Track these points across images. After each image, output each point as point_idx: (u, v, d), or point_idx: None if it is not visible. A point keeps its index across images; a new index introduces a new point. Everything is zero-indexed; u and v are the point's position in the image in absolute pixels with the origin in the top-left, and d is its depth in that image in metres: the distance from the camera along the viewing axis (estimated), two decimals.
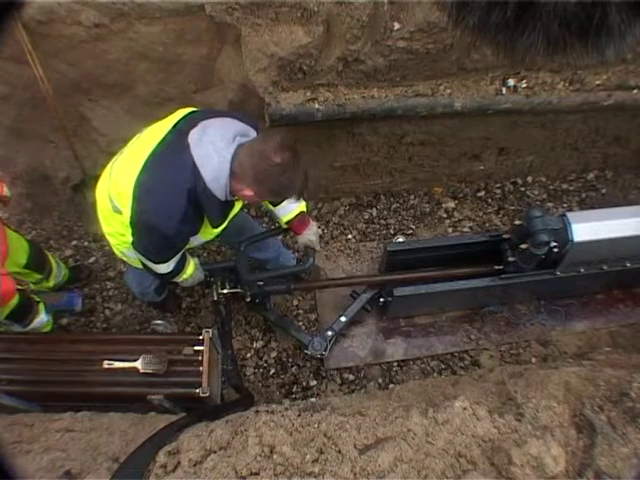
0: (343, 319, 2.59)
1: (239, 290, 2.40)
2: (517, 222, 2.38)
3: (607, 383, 1.49)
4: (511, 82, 2.59)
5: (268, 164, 1.56)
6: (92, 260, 3.00)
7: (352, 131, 2.73)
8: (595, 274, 2.50)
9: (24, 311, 2.35)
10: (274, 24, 2.12)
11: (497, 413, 1.43)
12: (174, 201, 1.64)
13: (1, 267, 2.11)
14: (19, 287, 2.28)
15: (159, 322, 2.62)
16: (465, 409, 1.43)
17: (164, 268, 1.92)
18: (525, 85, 2.60)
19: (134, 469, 1.35)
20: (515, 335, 2.79)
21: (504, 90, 2.59)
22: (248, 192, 1.66)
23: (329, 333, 2.55)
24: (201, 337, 2.04)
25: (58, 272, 2.68)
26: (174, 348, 2.01)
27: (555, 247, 2.26)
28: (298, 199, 1.82)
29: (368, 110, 2.49)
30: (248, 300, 2.40)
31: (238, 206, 1.97)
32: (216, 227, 1.86)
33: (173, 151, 1.64)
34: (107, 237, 2.06)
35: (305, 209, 2.20)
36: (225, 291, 2.40)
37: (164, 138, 1.70)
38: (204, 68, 2.44)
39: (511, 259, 2.40)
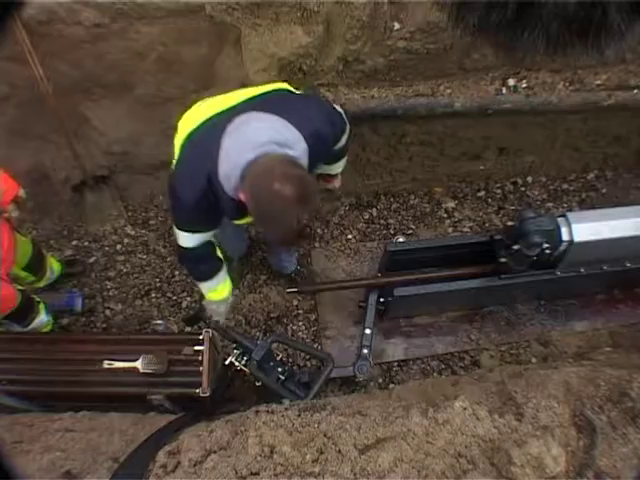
0: (368, 331, 2.58)
1: (251, 374, 2.16)
2: (510, 223, 2.36)
3: (607, 383, 1.49)
4: (511, 82, 2.59)
5: (265, 183, 1.41)
6: (92, 260, 3.00)
7: (352, 131, 2.73)
8: (595, 274, 2.50)
9: (24, 311, 2.35)
10: (274, 24, 2.12)
11: (497, 413, 1.43)
12: (196, 178, 1.57)
13: (4, 274, 2.13)
14: (20, 288, 2.29)
15: (159, 322, 2.62)
16: (465, 409, 1.43)
17: (181, 238, 1.79)
18: (525, 85, 2.60)
19: (134, 469, 1.35)
20: (515, 335, 2.79)
21: (504, 90, 2.59)
22: (242, 194, 1.53)
23: (365, 351, 2.55)
24: (201, 337, 2.04)
25: (50, 275, 2.73)
26: (174, 348, 2.01)
27: (547, 248, 2.24)
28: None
29: (368, 110, 2.49)
30: (258, 384, 2.18)
31: None
32: (234, 220, 1.75)
33: (221, 127, 1.54)
34: None
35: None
36: (236, 364, 2.14)
37: (234, 106, 1.60)
38: (204, 68, 2.44)
39: (503, 260, 2.37)
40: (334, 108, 1.90)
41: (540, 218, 2.22)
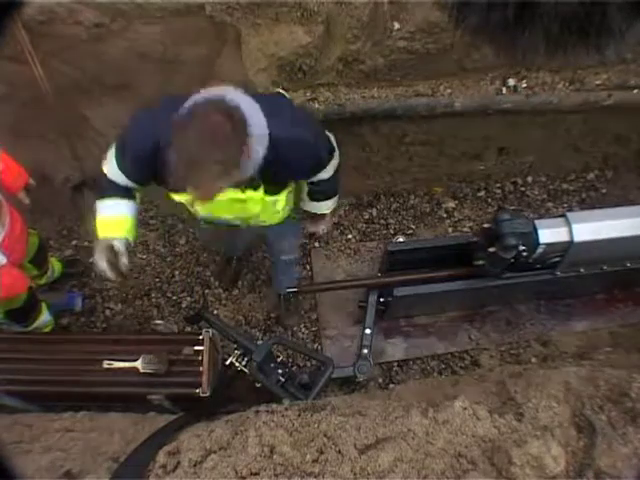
0: (368, 331, 2.58)
1: (251, 375, 2.16)
2: (486, 225, 2.29)
3: (607, 383, 1.49)
4: (511, 82, 2.59)
5: (187, 111, 1.34)
6: (92, 260, 2.99)
7: (352, 131, 2.73)
8: (595, 274, 2.50)
9: (27, 310, 2.36)
10: (274, 24, 2.12)
11: (497, 413, 1.43)
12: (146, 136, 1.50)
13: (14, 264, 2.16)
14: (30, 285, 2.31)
15: (159, 322, 2.62)
16: (465, 409, 1.43)
17: (110, 165, 1.62)
18: (525, 85, 2.60)
19: (134, 469, 1.35)
20: (515, 335, 2.79)
21: (504, 90, 2.59)
22: None
23: (365, 351, 2.54)
24: (201, 337, 2.04)
25: (51, 274, 2.76)
26: (174, 348, 2.02)
27: (524, 251, 2.20)
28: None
29: (368, 110, 2.49)
30: (258, 385, 2.18)
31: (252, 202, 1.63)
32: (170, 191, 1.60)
33: None
34: None
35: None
36: (236, 364, 2.13)
37: None
38: (204, 68, 2.43)
39: (479, 262, 2.33)
40: (324, 131, 1.79)
41: (516, 220, 2.16)
